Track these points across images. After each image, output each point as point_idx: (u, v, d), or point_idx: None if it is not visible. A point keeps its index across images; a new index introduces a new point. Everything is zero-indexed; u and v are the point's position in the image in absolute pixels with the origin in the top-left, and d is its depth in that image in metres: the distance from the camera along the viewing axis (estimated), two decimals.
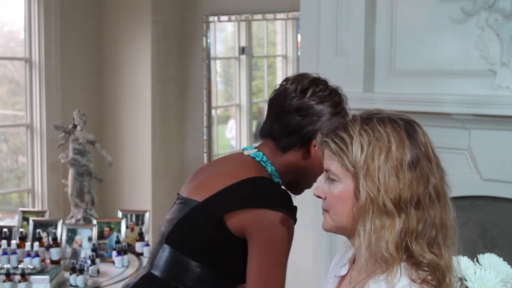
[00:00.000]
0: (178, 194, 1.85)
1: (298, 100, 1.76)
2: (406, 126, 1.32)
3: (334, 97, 1.79)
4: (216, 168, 1.82)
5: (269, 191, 1.69)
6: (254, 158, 1.78)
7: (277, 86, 1.82)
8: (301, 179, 1.82)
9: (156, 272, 1.74)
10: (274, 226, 1.63)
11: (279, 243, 1.64)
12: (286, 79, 1.82)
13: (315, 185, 1.42)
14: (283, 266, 1.67)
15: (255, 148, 1.82)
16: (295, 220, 1.69)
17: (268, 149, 1.79)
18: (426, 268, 1.29)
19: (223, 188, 1.68)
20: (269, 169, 1.77)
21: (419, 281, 1.27)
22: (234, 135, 5.09)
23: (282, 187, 1.79)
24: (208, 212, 1.68)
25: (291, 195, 1.74)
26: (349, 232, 1.35)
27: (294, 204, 1.71)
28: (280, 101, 1.79)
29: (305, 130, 1.75)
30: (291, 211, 1.67)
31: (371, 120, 1.33)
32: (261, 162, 1.77)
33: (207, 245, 1.68)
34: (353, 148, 1.30)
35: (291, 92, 1.77)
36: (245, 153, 1.81)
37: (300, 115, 1.75)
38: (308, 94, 1.76)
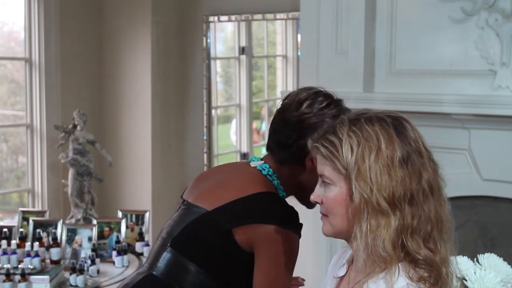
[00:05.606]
0: (182, 198, 1.84)
1: (294, 113, 1.73)
2: (394, 123, 1.32)
3: (331, 110, 1.73)
4: (222, 177, 1.81)
5: (277, 208, 1.70)
6: (261, 171, 1.78)
7: (280, 103, 1.80)
8: (304, 192, 1.79)
9: (158, 274, 1.75)
10: (281, 243, 1.66)
11: (285, 259, 1.67)
12: (288, 95, 1.80)
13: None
14: (287, 281, 1.71)
15: (261, 159, 1.83)
16: (300, 237, 1.72)
17: (272, 162, 1.80)
18: (423, 266, 1.29)
19: (232, 201, 1.69)
20: (275, 183, 1.78)
21: (416, 279, 1.27)
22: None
23: (292, 206, 1.78)
24: (216, 222, 1.69)
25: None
26: (347, 235, 1.35)
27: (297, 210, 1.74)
28: (280, 116, 1.78)
29: (297, 144, 1.72)
30: (297, 229, 1.70)
31: (359, 120, 1.32)
32: (268, 176, 1.77)
33: (213, 254, 1.70)
34: (343, 150, 1.30)
35: (290, 105, 1.76)
36: (252, 164, 1.81)
37: (294, 129, 1.72)
38: (304, 106, 1.73)
